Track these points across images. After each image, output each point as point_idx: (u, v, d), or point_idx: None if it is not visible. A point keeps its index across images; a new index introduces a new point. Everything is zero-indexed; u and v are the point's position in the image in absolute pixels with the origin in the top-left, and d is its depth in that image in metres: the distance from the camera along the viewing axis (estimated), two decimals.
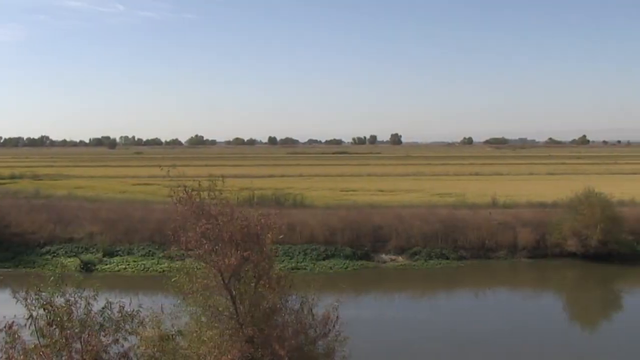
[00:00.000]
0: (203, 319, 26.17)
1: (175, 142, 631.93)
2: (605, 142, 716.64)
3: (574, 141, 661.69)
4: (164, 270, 59.31)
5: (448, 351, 42.51)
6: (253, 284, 25.82)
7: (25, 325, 21.92)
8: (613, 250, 68.76)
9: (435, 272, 66.34)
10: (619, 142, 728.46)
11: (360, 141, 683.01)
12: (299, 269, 63.31)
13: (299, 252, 67.73)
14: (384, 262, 68.78)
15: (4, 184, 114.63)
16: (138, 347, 24.69)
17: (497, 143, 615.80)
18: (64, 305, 22.02)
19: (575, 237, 68.96)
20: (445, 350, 42.69)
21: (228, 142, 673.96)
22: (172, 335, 26.08)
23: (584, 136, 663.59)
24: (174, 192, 25.67)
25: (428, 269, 67.06)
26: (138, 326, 24.01)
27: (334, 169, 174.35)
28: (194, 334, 25.69)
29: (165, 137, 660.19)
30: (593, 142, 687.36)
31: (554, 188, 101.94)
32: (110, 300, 23.66)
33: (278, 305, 26.67)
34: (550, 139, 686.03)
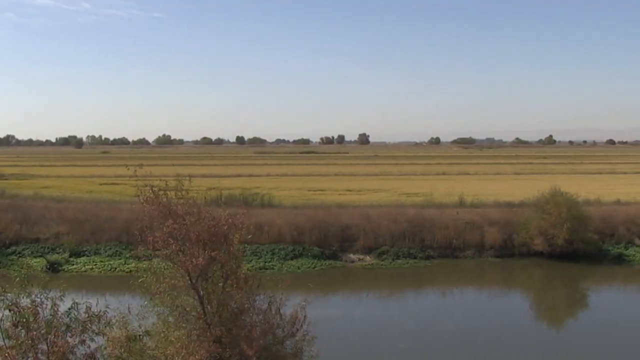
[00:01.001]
0: (170, 319, 26.08)
1: (142, 142, 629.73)
2: (571, 142, 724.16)
3: (540, 141, 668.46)
4: (131, 271, 58.92)
5: (415, 350, 42.63)
6: (221, 284, 25.76)
7: None
8: (579, 249, 69.32)
9: (403, 271, 66.50)
10: (584, 142, 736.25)
11: (328, 141, 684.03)
12: (266, 268, 63.23)
13: (267, 252, 67.61)
14: (352, 261, 68.86)
15: None
16: (105, 347, 24.55)
17: (465, 143, 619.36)
18: (29, 306, 21.84)
19: (542, 236, 69.42)
20: (412, 349, 42.80)
21: (196, 142, 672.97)
22: (139, 336, 25.95)
23: (551, 136, 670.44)
24: (141, 192, 25.54)
25: (396, 268, 67.19)
26: (105, 327, 23.87)
27: (301, 169, 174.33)
28: (162, 335, 25.59)
29: (132, 137, 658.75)
30: (559, 142, 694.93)
31: (520, 188, 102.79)
32: (76, 300, 23.51)
33: (246, 305, 26.63)
34: (517, 138, 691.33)
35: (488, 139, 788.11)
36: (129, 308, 26.75)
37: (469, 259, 70.59)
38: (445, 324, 49.57)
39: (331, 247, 69.96)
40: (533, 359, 41.92)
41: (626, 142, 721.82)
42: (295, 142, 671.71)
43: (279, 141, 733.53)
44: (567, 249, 68.79)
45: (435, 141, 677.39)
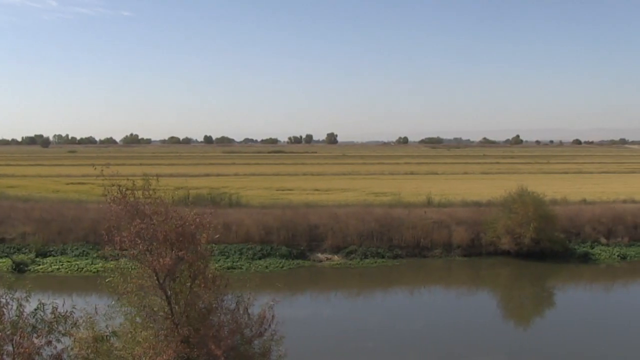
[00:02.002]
0: (138, 319, 25.95)
1: (109, 141, 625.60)
2: (538, 142, 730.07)
3: (507, 141, 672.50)
4: (98, 271, 58.66)
5: (384, 349, 42.71)
6: (188, 284, 25.67)
7: None
8: (546, 248, 69.87)
9: (371, 270, 66.59)
10: (551, 142, 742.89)
11: (296, 140, 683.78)
12: (234, 268, 63.13)
13: (235, 252, 67.48)
14: (320, 261, 68.88)
15: None
16: (72, 348, 24.44)
17: (433, 142, 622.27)
18: None
19: (509, 235, 69.84)
20: (380, 348, 42.88)
21: (163, 141, 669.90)
22: (106, 336, 25.85)
23: (518, 136, 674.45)
24: (108, 192, 25.38)
25: (364, 267, 67.28)
26: (72, 327, 23.76)
27: (269, 168, 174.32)
28: (129, 335, 25.47)
29: (99, 136, 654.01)
30: (526, 142, 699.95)
31: (488, 187, 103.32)
32: (43, 301, 23.38)
33: (214, 305, 26.57)
34: (484, 138, 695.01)
35: (456, 139, 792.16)
36: (95, 308, 26.62)
37: (436, 258, 70.86)
38: (414, 322, 49.74)
39: (299, 246, 69.94)
40: (500, 356, 42.15)
41: (592, 142, 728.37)
42: (263, 141, 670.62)
43: (247, 141, 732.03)
44: (534, 248, 69.30)
45: (403, 141, 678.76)
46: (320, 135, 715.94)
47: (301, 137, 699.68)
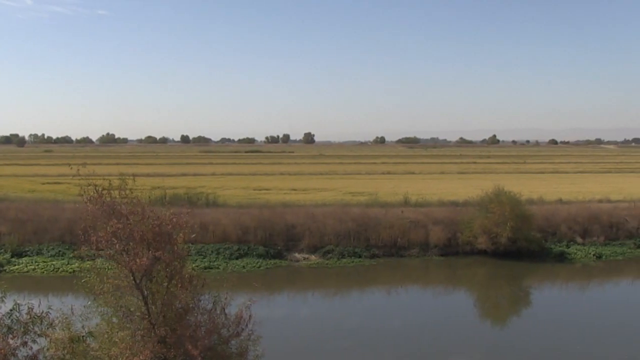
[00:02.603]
0: (114, 319, 25.83)
1: (86, 140, 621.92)
2: (514, 142, 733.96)
3: (484, 141, 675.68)
4: (74, 271, 58.41)
5: (361, 348, 42.76)
6: (165, 284, 25.58)
7: None
8: (522, 247, 70.22)
9: (348, 270, 66.66)
10: (527, 142, 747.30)
11: (273, 140, 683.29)
12: (211, 268, 62.99)
13: (212, 252, 67.33)
14: (297, 260, 68.86)
15: None
16: (47, 349, 24.31)
17: (409, 142, 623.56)
18: None
19: (486, 235, 70.09)
20: (358, 347, 42.93)
21: (140, 141, 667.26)
22: (82, 337, 25.71)
23: (494, 136, 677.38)
24: (84, 191, 25.25)
25: (341, 267, 67.33)
26: (47, 328, 23.65)
27: (246, 168, 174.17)
28: (105, 335, 25.35)
29: (75, 135, 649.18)
30: (503, 141, 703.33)
31: (465, 187, 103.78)
32: (18, 301, 23.27)
33: (191, 305, 26.50)
34: (461, 138, 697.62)
35: (432, 139, 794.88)
36: (72, 309, 26.47)
37: (413, 257, 71.02)
38: (391, 321, 49.85)
39: (276, 246, 69.92)
40: (477, 355, 42.28)
41: (568, 142, 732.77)
42: (240, 141, 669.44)
43: (224, 140, 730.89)
44: (511, 248, 69.62)
45: (380, 141, 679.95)
46: (297, 135, 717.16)
47: (278, 136, 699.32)
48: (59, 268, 63.53)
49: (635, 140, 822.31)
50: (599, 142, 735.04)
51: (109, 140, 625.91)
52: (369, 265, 68.06)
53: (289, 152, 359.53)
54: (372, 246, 71.14)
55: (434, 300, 59.37)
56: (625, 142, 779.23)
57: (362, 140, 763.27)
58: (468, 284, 66.75)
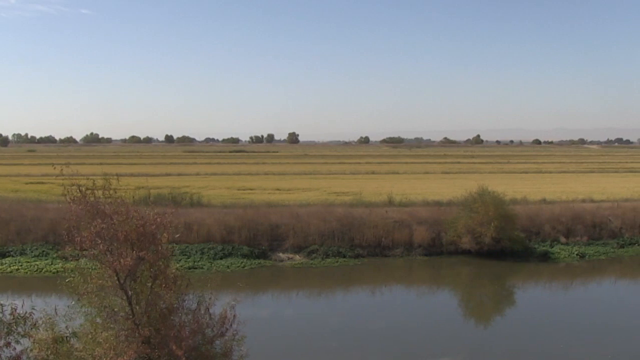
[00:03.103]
0: (98, 320, 25.75)
1: (69, 140, 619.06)
2: (498, 142, 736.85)
3: (468, 141, 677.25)
4: (58, 271, 58.16)
5: (346, 348, 42.78)
6: (149, 284, 25.52)
7: None
8: (506, 247, 70.48)
9: (332, 270, 66.70)
10: (511, 142, 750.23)
11: (257, 140, 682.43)
12: (196, 268, 62.93)
13: (196, 251, 67.24)
14: (282, 260, 68.86)
15: None
16: (31, 350, 24.25)
17: (394, 142, 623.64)
18: None
19: (470, 234, 70.25)
20: (343, 347, 42.95)
21: (124, 141, 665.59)
22: (66, 337, 25.66)
23: (478, 136, 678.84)
24: (68, 191, 25.15)
25: (325, 267, 67.36)
26: (31, 329, 23.59)
27: (231, 168, 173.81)
28: (89, 336, 25.27)
29: (59, 135, 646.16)
30: (487, 141, 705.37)
31: (449, 187, 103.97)
32: (1, 302, 23.20)
33: (175, 305, 26.44)
34: (445, 138, 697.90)
35: (417, 139, 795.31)
36: (55, 309, 26.41)
37: (397, 257, 71.13)
38: (375, 321, 49.89)
39: (261, 246, 69.88)
40: (461, 354, 42.38)
41: (551, 142, 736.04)
42: (224, 141, 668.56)
43: (208, 140, 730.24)
44: (495, 247, 69.83)
45: (365, 140, 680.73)
46: (281, 135, 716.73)
47: (262, 136, 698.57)
48: (42, 268, 63.28)
49: (618, 140, 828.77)
50: (582, 142, 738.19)
51: (92, 140, 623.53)
52: (353, 265, 68.13)
53: (273, 152, 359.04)
54: (356, 246, 71.21)
55: (418, 300, 59.48)
56: (609, 143, 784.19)
57: (347, 140, 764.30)
58: (452, 283, 66.90)
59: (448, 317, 52.74)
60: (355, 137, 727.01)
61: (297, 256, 69.52)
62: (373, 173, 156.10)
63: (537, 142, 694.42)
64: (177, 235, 27.09)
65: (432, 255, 71.82)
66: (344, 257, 69.68)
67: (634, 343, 44.91)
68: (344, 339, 44.89)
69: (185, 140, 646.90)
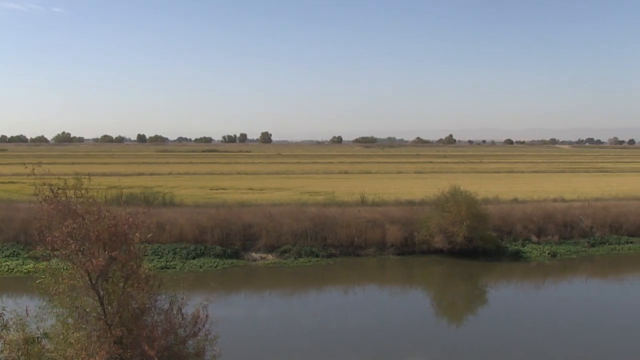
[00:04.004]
0: (70, 320, 25.64)
1: (41, 139, 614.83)
2: (470, 142, 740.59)
3: (440, 140, 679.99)
4: (29, 271, 57.91)
5: (319, 348, 42.83)
6: (121, 284, 25.45)
7: None
8: (478, 246, 70.88)
9: (305, 269, 66.71)
10: (484, 141, 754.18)
11: (230, 139, 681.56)
12: (168, 268, 62.73)
13: (168, 251, 67.00)
14: (254, 260, 68.78)
15: None
16: (1, 351, 24.12)
17: (366, 142, 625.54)
18: None
19: (442, 234, 70.52)
20: (316, 347, 43.01)
21: (96, 140, 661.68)
22: (37, 338, 25.52)
23: (451, 136, 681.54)
24: (39, 191, 25.04)
25: (298, 267, 67.35)
26: (1, 329, 23.49)
27: (203, 167, 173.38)
28: (61, 336, 25.16)
29: (30, 134, 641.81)
30: (459, 141, 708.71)
31: (421, 186, 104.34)
32: None
33: (147, 305, 26.38)
34: (417, 138, 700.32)
35: (389, 138, 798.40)
36: (26, 310, 26.24)
37: (370, 256, 71.25)
38: (348, 321, 49.93)
39: (233, 245, 69.73)
40: (433, 353, 42.53)
41: (523, 142, 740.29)
42: (197, 140, 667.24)
43: (180, 139, 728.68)
44: (467, 247, 70.18)
45: (337, 140, 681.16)
46: (254, 134, 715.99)
47: (235, 136, 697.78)
48: (13, 269, 62.80)
49: (589, 140, 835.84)
50: (553, 142, 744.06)
51: (64, 139, 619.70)
52: (326, 265, 68.17)
53: (246, 151, 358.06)
54: (329, 245, 71.25)
55: (391, 299, 59.55)
56: (580, 142, 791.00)
57: (319, 139, 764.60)
58: (425, 283, 67.09)
59: (421, 316, 52.90)
60: (328, 137, 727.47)
61: (270, 256, 69.46)
62: (346, 173, 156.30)
63: (510, 142, 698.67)
64: (150, 235, 27.03)
65: (404, 254, 71.99)
66: (317, 256, 69.71)
67: (605, 341, 45.21)
68: (317, 338, 44.93)
69: (158, 140, 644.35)
